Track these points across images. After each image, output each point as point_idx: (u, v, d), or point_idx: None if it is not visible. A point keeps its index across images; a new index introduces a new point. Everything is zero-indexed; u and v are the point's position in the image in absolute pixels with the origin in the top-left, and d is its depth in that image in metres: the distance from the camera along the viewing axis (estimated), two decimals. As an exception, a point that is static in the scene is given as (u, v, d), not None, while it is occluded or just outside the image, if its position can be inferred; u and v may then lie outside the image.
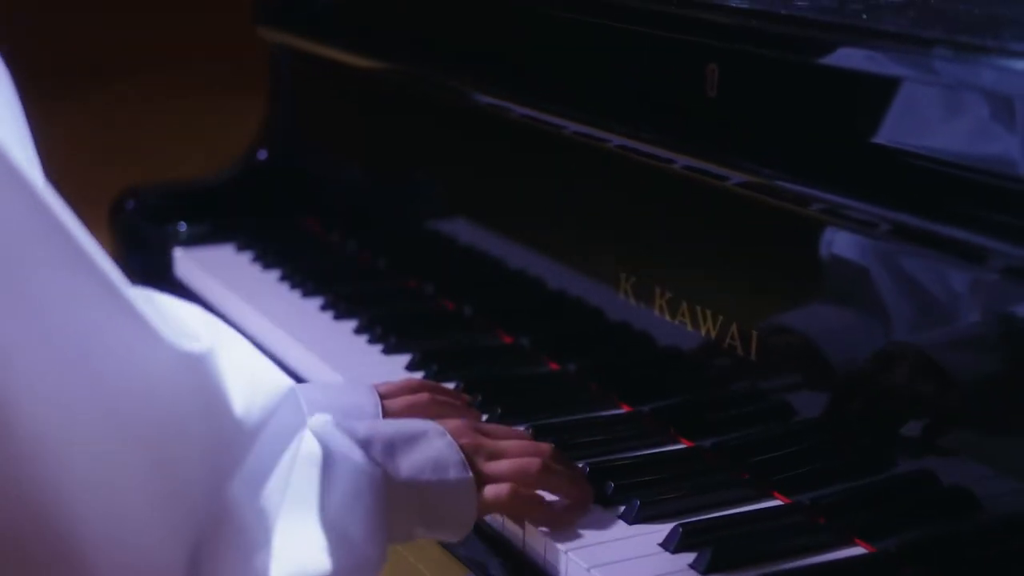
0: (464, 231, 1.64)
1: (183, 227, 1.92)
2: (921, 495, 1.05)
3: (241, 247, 1.87)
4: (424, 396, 1.23)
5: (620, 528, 1.13)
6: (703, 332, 1.24)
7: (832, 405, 1.13)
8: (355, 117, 1.87)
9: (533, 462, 1.12)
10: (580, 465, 1.19)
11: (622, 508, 1.15)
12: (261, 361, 0.99)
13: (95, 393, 0.83)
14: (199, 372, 0.89)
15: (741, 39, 1.15)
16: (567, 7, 1.39)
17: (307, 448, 0.99)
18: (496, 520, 1.16)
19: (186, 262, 1.85)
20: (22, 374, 0.80)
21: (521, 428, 1.26)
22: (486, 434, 1.14)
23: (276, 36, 1.95)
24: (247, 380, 0.94)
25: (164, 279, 1.86)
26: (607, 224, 1.38)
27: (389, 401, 1.20)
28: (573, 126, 1.36)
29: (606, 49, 1.35)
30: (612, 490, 1.16)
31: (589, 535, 1.12)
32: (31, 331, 0.81)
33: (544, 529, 1.12)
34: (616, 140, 1.31)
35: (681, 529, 1.09)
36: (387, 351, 1.50)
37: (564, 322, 1.46)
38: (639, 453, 1.25)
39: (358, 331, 1.56)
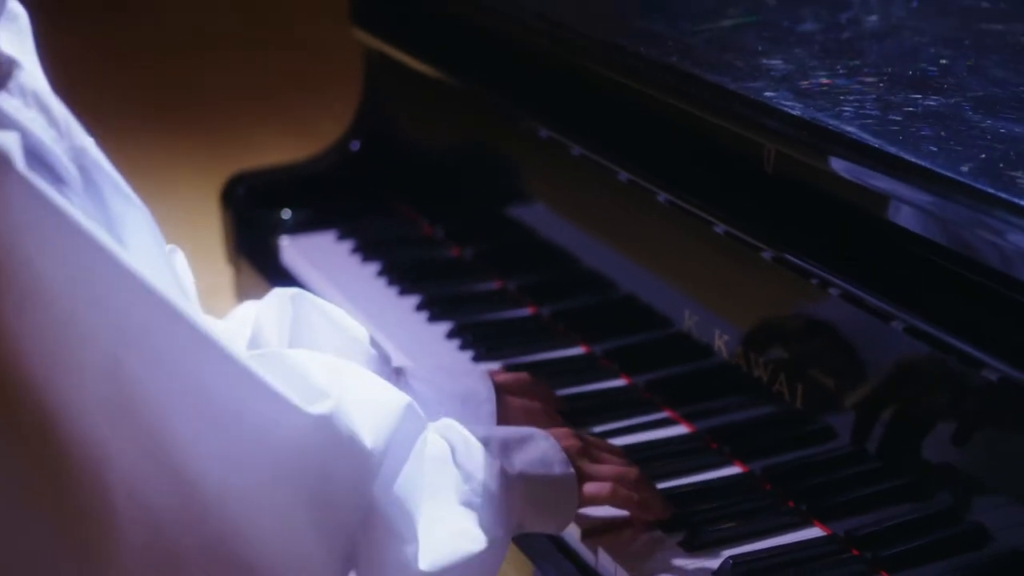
0: (549, 236, 1.82)
1: (288, 214, 2.11)
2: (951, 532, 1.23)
3: (342, 236, 2.06)
4: (538, 406, 1.44)
5: (679, 554, 1.33)
6: (755, 374, 1.43)
7: (872, 443, 1.31)
8: (441, 117, 2.04)
9: (632, 469, 1.33)
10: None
11: (680, 535, 1.35)
12: (378, 386, 1.17)
13: (256, 458, 1.04)
14: (332, 428, 1.08)
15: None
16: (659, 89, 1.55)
17: (433, 447, 1.18)
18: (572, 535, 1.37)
19: (291, 252, 2.05)
20: (201, 448, 1.00)
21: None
22: (587, 442, 1.34)
23: (370, 40, 2.12)
24: (371, 412, 1.14)
25: (272, 265, 2.06)
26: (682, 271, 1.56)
27: (509, 398, 1.41)
28: (662, 194, 1.54)
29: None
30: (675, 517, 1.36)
31: (655, 560, 1.32)
32: (205, 420, 1.01)
33: (615, 554, 1.33)
34: (663, 196, 1.50)
35: (731, 561, 1.29)
36: (476, 359, 1.70)
37: (631, 338, 1.66)
38: (696, 479, 1.45)
39: (450, 336, 1.76)
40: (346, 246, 2.04)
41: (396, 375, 1.39)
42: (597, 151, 1.63)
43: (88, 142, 1.00)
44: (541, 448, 1.27)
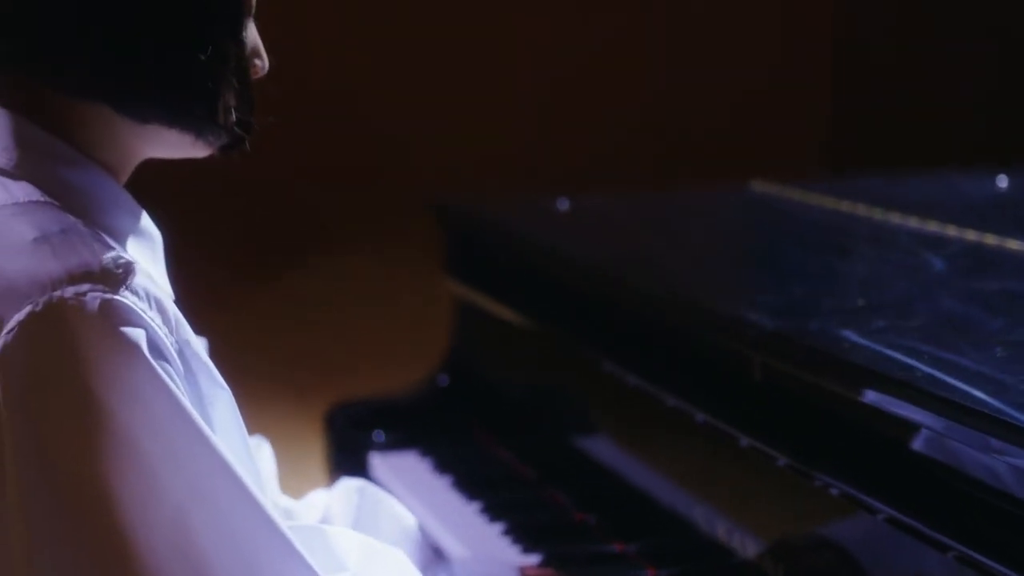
0: (608, 461, 2.09)
1: (380, 436, 2.42)
2: None
3: (424, 453, 2.35)
4: None
5: None
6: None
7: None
8: (519, 358, 2.35)
9: None
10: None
11: None
12: (401, 570, 1.38)
13: None
14: None
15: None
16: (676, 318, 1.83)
17: None
18: None
19: (380, 467, 2.34)
20: None
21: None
22: None
23: (459, 288, 2.46)
24: None
25: (364, 477, 2.35)
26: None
27: None
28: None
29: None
30: None
31: None
32: (243, 570, 1.22)
33: None
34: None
35: None
36: (525, 551, 1.96)
37: (670, 541, 1.90)
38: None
39: (504, 533, 2.02)
40: (427, 463, 2.33)
41: (436, 556, 1.65)
42: (664, 388, 1.86)
43: (191, 337, 1.27)
44: None
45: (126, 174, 1.33)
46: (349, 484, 1.61)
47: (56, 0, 1.21)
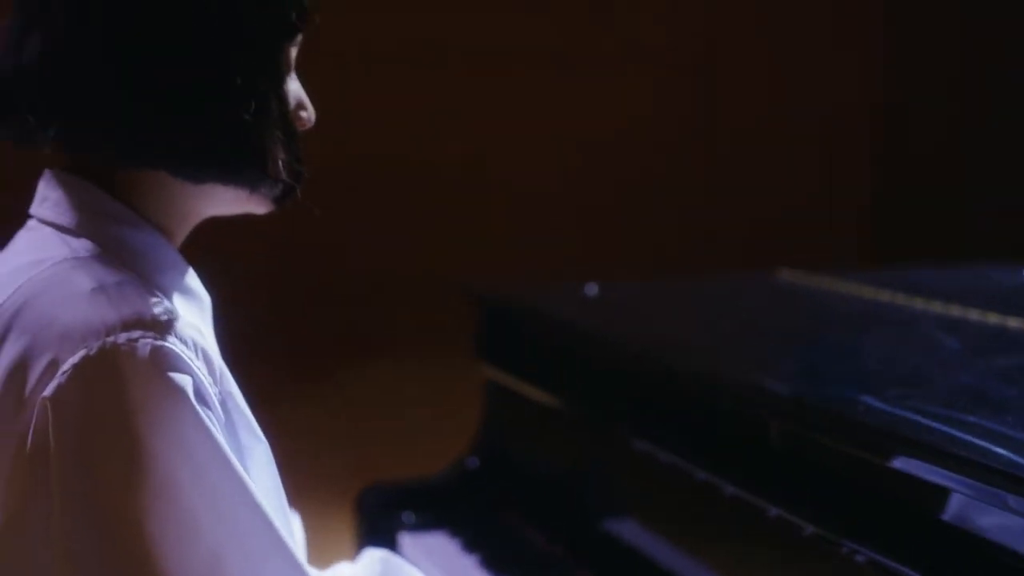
0: (631, 541, 2.12)
1: (409, 517, 2.45)
2: None
3: (453, 533, 2.38)
4: None
5: None
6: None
7: None
8: (548, 439, 2.39)
9: None
10: None
11: None
12: None
13: None
14: None
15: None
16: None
17: None
18: None
19: (410, 547, 2.37)
20: None
21: None
22: None
23: (490, 371, 2.50)
24: None
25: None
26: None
27: None
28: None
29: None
30: None
31: None
32: None
33: None
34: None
35: None
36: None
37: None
38: None
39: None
40: (456, 543, 2.36)
41: None
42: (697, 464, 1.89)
43: (234, 389, 1.33)
44: None
45: (181, 236, 1.40)
46: (373, 554, 1.65)
47: (103, 81, 1.27)
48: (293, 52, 1.36)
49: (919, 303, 2.31)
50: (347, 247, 3.87)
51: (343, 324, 3.80)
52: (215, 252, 1.61)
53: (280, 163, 1.35)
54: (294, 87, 1.38)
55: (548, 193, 4.15)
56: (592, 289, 2.52)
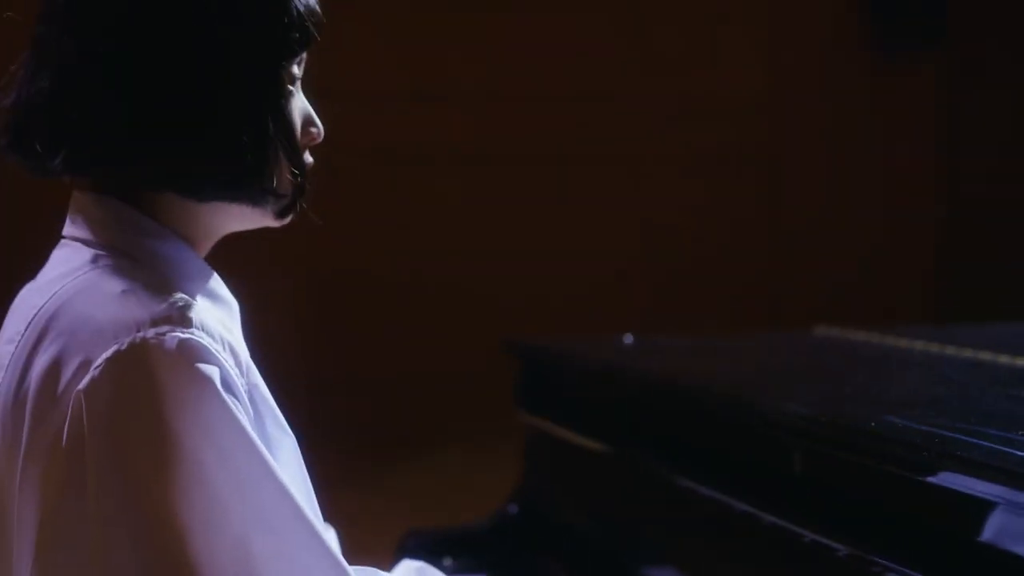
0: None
1: (448, 561, 2.49)
2: None
3: (490, 578, 2.42)
4: None
5: None
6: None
7: None
8: (589, 484, 2.43)
9: None
10: None
11: None
12: None
13: None
14: None
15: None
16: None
17: None
18: None
19: (451, 590, 2.41)
20: None
21: None
22: None
23: (530, 420, 2.55)
24: None
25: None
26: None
27: None
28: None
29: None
30: None
31: None
32: None
33: None
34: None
35: None
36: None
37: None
38: None
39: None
40: (493, 586, 2.40)
41: None
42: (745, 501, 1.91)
43: (260, 382, 1.39)
44: None
45: (206, 247, 1.47)
46: (409, 564, 1.69)
47: (104, 112, 1.35)
48: (296, 69, 1.42)
49: (950, 351, 2.34)
50: (396, 295, 3.99)
51: (387, 372, 3.90)
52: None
53: (280, 179, 1.41)
54: (300, 104, 1.44)
55: (620, 268, 4.27)
56: (628, 339, 2.58)
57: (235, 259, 1.66)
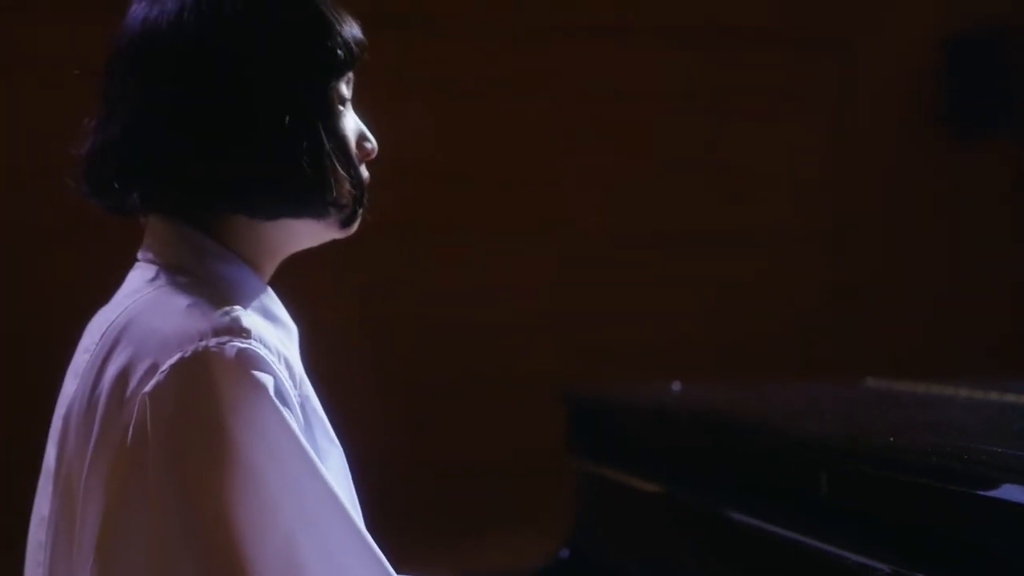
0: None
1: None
2: None
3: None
4: None
5: None
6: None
7: None
8: (640, 527, 2.48)
9: None
10: None
11: None
12: None
13: None
14: None
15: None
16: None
17: None
18: None
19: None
20: None
21: None
22: None
23: (582, 464, 2.61)
24: None
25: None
26: None
27: None
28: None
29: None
30: None
31: None
32: None
33: None
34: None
35: None
36: None
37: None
38: None
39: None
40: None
41: None
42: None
43: (312, 395, 1.49)
44: None
45: (270, 270, 1.58)
46: None
47: (172, 148, 1.46)
48: (344, 88, 1.53)
49: (994, 396, 2.39)
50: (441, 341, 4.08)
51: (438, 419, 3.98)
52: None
53: (341, 190, 1.51)
54: (351, 121, 1.55)
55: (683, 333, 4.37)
56: (676, 387, 2.64)
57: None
